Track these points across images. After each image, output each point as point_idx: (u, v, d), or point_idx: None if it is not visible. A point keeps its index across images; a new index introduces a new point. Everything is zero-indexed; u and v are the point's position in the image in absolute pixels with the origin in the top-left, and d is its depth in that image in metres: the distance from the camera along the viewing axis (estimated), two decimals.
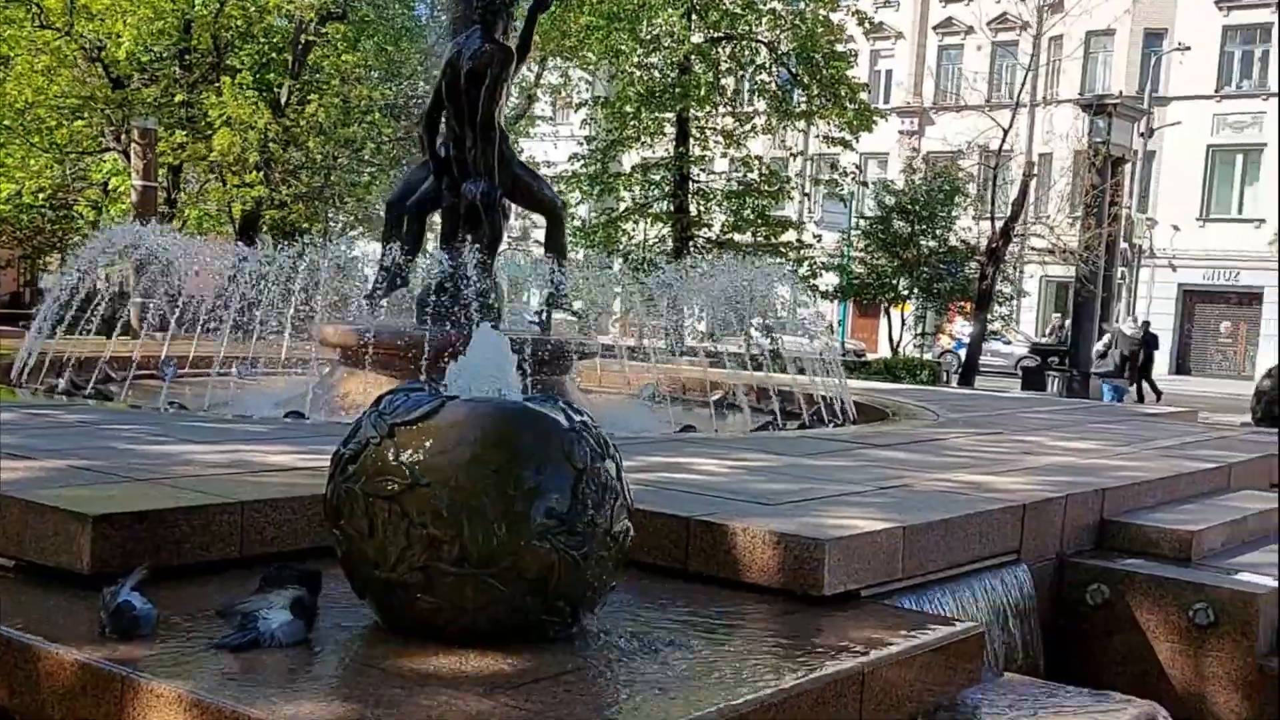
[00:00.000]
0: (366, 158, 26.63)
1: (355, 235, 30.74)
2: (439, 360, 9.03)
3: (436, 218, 10.85)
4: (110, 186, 28.23)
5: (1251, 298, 47.67)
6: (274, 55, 26.58)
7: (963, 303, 29.74)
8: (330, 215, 28.61)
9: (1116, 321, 26.94)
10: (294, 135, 24.24)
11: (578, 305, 11.17)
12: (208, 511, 4.56)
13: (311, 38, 25.41)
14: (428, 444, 3.80)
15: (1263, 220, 46.81)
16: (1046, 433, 9.29)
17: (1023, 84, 30.16)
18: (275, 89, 25.69)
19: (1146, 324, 29.46)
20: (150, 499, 4.59)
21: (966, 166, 35.07)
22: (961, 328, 40.09)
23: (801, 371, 11.46)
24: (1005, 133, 28.19)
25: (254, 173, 23.25)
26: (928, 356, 31.90)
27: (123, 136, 24.06)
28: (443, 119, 10.30)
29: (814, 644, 4.15)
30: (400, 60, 28.60)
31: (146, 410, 8.60)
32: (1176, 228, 46.90)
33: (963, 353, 38.19)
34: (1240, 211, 48.11)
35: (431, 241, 12.12)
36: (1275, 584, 5.77)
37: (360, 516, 3.83)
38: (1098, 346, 23.34)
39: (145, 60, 24.71)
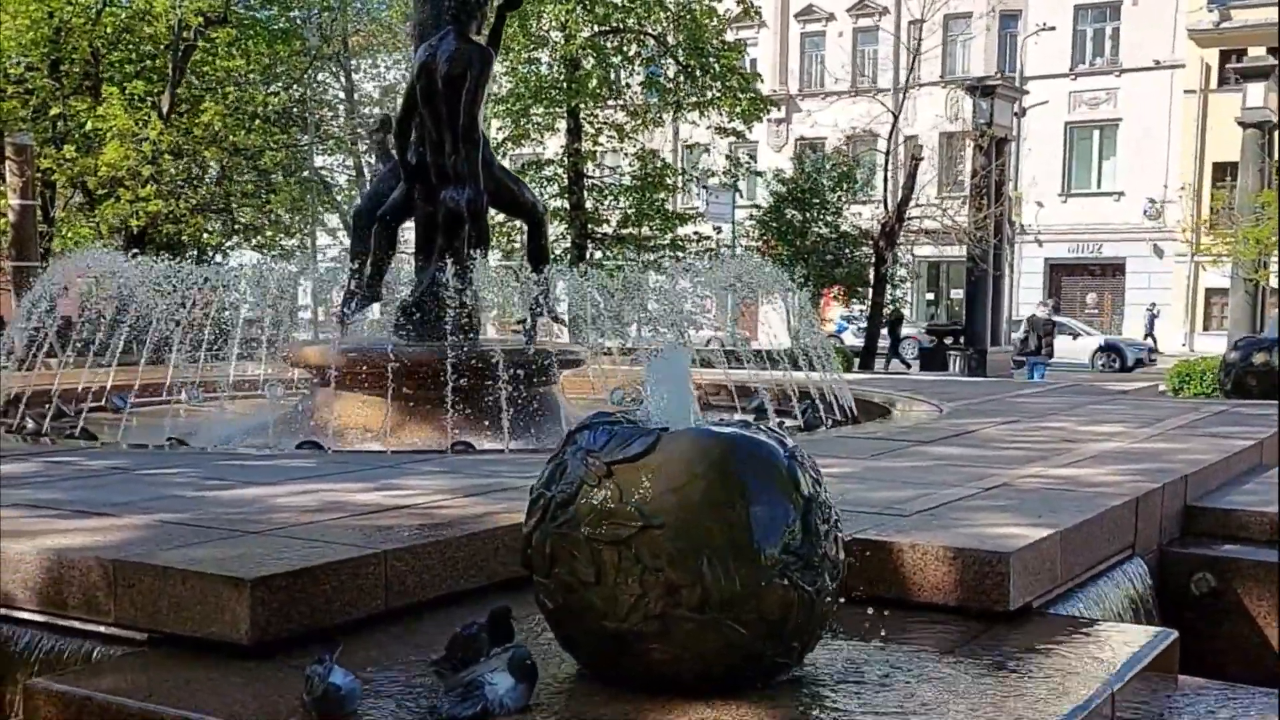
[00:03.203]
0: (264, 166, 25.72)
1: (230, 245, 29.74)
2: (432, 378, 8.68)
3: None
4: None
5: (1114, 269, 49.27)
6: (150, 62, 25.44)
7: (860, 288, 29.96)
8: (233, 227, 27.61)
9: (1037, 309, 27.63)
10: (185, 145, 23.25)
11: (561, 309, 10.77)
12: (355, 564, 4.18)
13: (191, 41, 24.38)
14: (653, 482, 3.50)
15: (1122, 193, 48.43)
16: (1057, 417, 9.28)
17: (911, 67, 30.44)
18: (155, 96, 24.58)
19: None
20: (289, 556, 4.18)
21: (849, 152, 35.39)
22: (840, 312, 40.74)
23: (776, 366, 11.29)
24: (896, 117, 28.50)
25: (148, 186, 22.22)
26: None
27: None
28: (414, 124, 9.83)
29: (1039, 667, 3.95)
30: (279, 63, 27.68)
31: (169, 451, 8.03)
32: (1040, 204, 48.14)
33: (846, 336, 38.81)
34: (1099, 186, 49.65)
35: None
36: None
37: (585, 564, 3.51)
38: (1017, 334, 24.00)
39: (15, 73, 23.40)
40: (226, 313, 11.27)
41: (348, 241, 34.54)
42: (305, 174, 30.10)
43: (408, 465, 6.57)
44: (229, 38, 25.22)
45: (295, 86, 28.35)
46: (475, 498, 5.42)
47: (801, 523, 3.59)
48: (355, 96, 34.70)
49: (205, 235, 27.12)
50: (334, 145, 32.36)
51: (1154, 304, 45.49)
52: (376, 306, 10.46)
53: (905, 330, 39.34)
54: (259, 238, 30.06)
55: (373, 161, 33.71)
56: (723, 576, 3.42)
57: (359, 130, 32.62)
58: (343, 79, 34.62)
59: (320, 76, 31.48)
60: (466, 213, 9.38)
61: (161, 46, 25.10)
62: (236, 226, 28.80)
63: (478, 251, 9.51)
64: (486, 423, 8.60)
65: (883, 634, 4.22)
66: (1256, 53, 39.39)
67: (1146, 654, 4.07)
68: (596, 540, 3.49)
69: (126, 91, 23.71)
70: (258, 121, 26.03)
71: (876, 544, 4.64)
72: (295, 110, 28.23)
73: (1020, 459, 6.86)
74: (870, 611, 4.46)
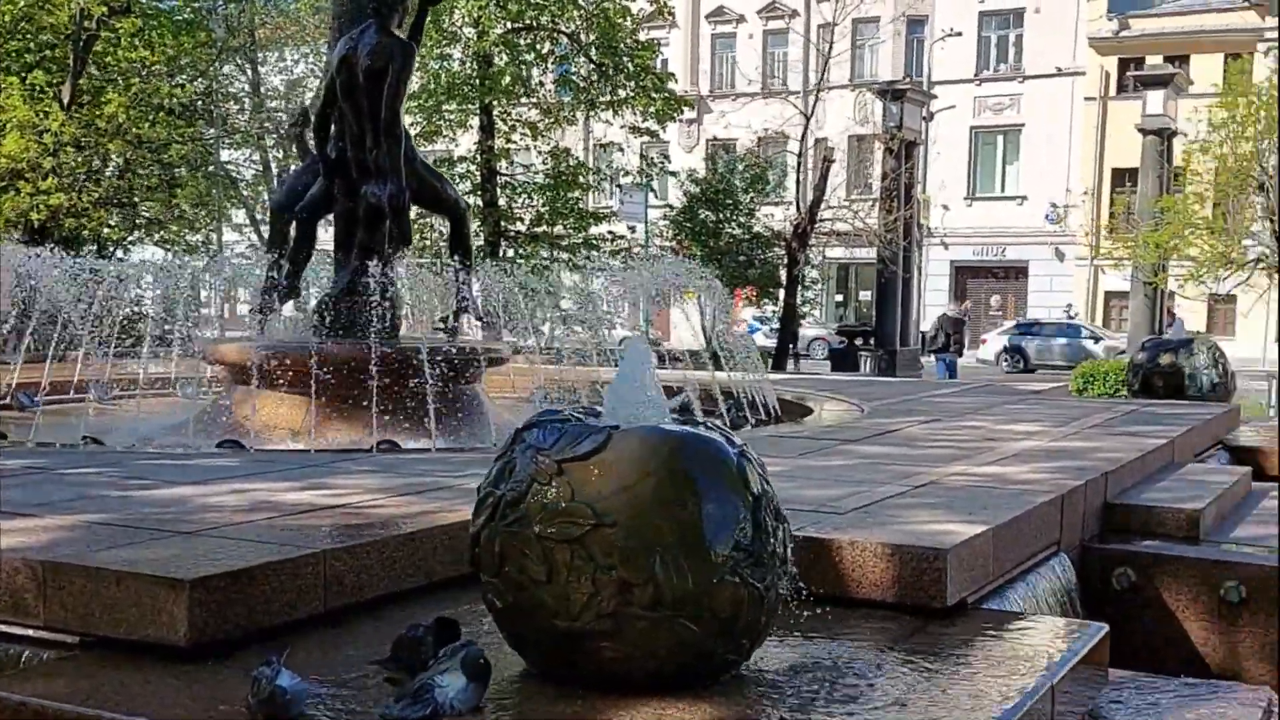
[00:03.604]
0: (169, 160, 25.16)
1: (133, 241, 29.08)
2: (356, 376, 8.57)
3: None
4: None
5: (1018, 271, 50.24)
6: (50, 52, 24.77)
7: (772, 289, 30.20)
8: (135, 221, 26.97)
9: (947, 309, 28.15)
10: (87, 138, 22.67)
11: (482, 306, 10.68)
12: (294, 565, 4.11)
13: (93, 31, 23.78)
14: (605, 480, 3.49)
15: (1025, 197, 49.39)
16: (975, 416, 9.43)
17: (822, 70, 30.74)
18: (56, 87, 23.94)
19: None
20: (225, 556, 4.09)
21: (761, 153, 35.65)
22: (749, 313, 41.02)
23: (702, 367, 11.33)
24: (807, 119, 28.77)
25: (49, 179, 21.63)
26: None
27: None
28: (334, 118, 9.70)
29: (980, 661, 4.01)
30: (184, 55, 27.11)
31: (85, 450, 7.80)
32: (946, 207, 48.87)
33: (757, 337, 39.13)
34: (1003, 190, 50.61)
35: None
36: None
37: (536, 563, 3.48)
38: (928, 331, 24.43)
39: None
40: (135, 309, 11.04)
41: (254, 237, 34.25)
42: (211, 168, 29.52)
43: (335, 464, 6.48)
44: (133, 28, 24.62)
45: (201, 79, 27.75)
46: (409, 497, 5.36)
47: (751, 520, 3.60)
48: (262, 90, 34.16)
49: (107, 230, 26.50)
50: (240, 139, 31.81)
51: (1070, 305, 46.47)
52: (291, 303, 10.29)
53: (816, 331, 40.01)
54: (162, 233, 29.45)
55: (280, 156, 33.46)
56: (675, 574, 3.42)
57: (266, 125, 32.14)
58: (249, 72, 34.08)
59: (226, 69, 30.93)
60: (388, 208, 9.27)
61: (62, 36, 24.44)
62: (139, 221, 28.17)
63: (401, 247, 9.40)
64: (410, 421, 8.51)
65: (825, 630, 4.25)
66: (1154, 61, 40.54)
67: (1082, 647, 4.15)
68: (548, 539, 3.46)
69: (27, 82, 23.08)
70: (162, 114, 25.47)
71: (816, 541, 4.66)
72: (201, 103, 27.65)
73: (945, 457, 6.96)
74: (811, 608, 4.51)
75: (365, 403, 8.33)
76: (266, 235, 10.63)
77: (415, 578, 4.55)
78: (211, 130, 29.23)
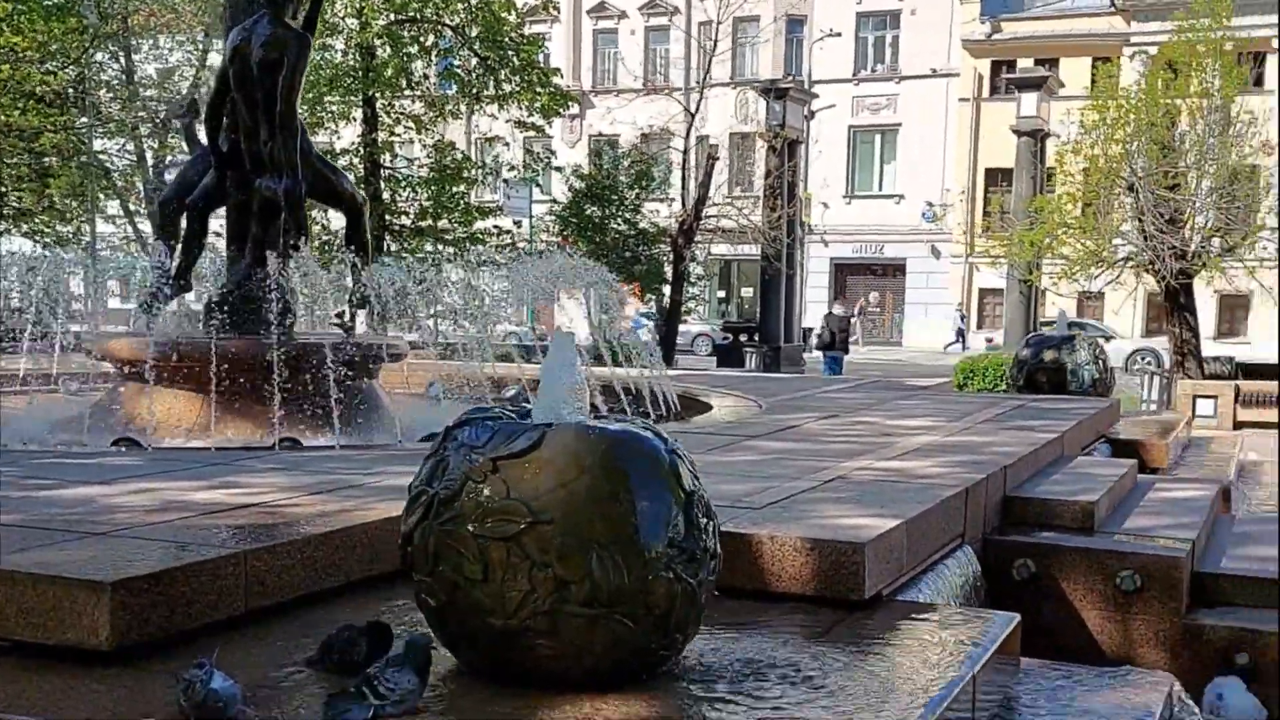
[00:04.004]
0: (40, 149, 24.33)
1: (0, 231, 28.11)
2: (254, 372, 8.42)
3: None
4: None
5: (895, 269, 51.26)
6: None
7: (657, 285, 30.33)
8: (1, 212, 26.01)
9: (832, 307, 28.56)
10: None
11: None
12: (214, 565, 4.03)
13: None
14: (540, 478, 3.49)
15: (902, 196, 50.37)
16: (869, 411, 9.61)
17: (706, 68, 30.96)
18: None
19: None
20: (143, 557, 3.99)
21: (645, 150, 35.77)
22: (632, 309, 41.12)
23: (600, 363, 11.33)
24: (692, 116, 28.95)
25: None
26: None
27: None
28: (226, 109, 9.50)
29: (903, 651, 4.10)
30: (54, 41, 26.24)
31: None
32: (826, 205, 49.64)
33: (642, 333, 39.28)
34: (881, 188, 51.59)
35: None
36: (1189, 547, 6.18)
37: (472, 561, 3.47)
38: (816, 329, 24.80)
39: None
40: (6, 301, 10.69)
41: (129, 229, 33.31)
42: (84, 158, 28.63)
43: (240, 462, 6.35)
44: (2, 13, 23.80)
45: (73, 66, 26.90)
46: (321, 495, 5.28)
47: (684, 516, 3.64)
48: (136, 79, 33.21)
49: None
50: (115, 128, 30.90)
51: (961, 305, 47.49)
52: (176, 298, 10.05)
53: (700, 327, 40.29)
54: (30, 224, 28.51)
55: (156, 146, 32.57)
56: (611, 571, 3.44)
57: (140, 114, 31.27)
58: (122, 60, 33.10)
59: (99, 57, 29.99)
60: (284, 202, 9.11)
61: None
62: (7, 211, 27.23)
63: (300, 241, 9.24)
64: (310, 418, 8.39)
65: (749, 623, 4.31)
66: (1025, 64, 41.63)
67: (998, 637, 4.26)
68: (484, 537, 3.45)
69: None
70: (33, 102, 24.65)
71: (735, 536, 4.71)
72: (73, 91, 26.81)
73: (847, 452, 7.08)
74: (732, 602, 4.56)
75: (263, 399, 8.19)
76: (155, 228, 10.34)
77: (335, 578, 4.49)
78: (84, 119, 28.35)
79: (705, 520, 3.75)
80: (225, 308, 9.28)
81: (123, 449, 7.26)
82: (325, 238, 25.06)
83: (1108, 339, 37.10)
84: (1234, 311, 40.18)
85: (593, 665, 3.52)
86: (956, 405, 10.33)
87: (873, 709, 3.46)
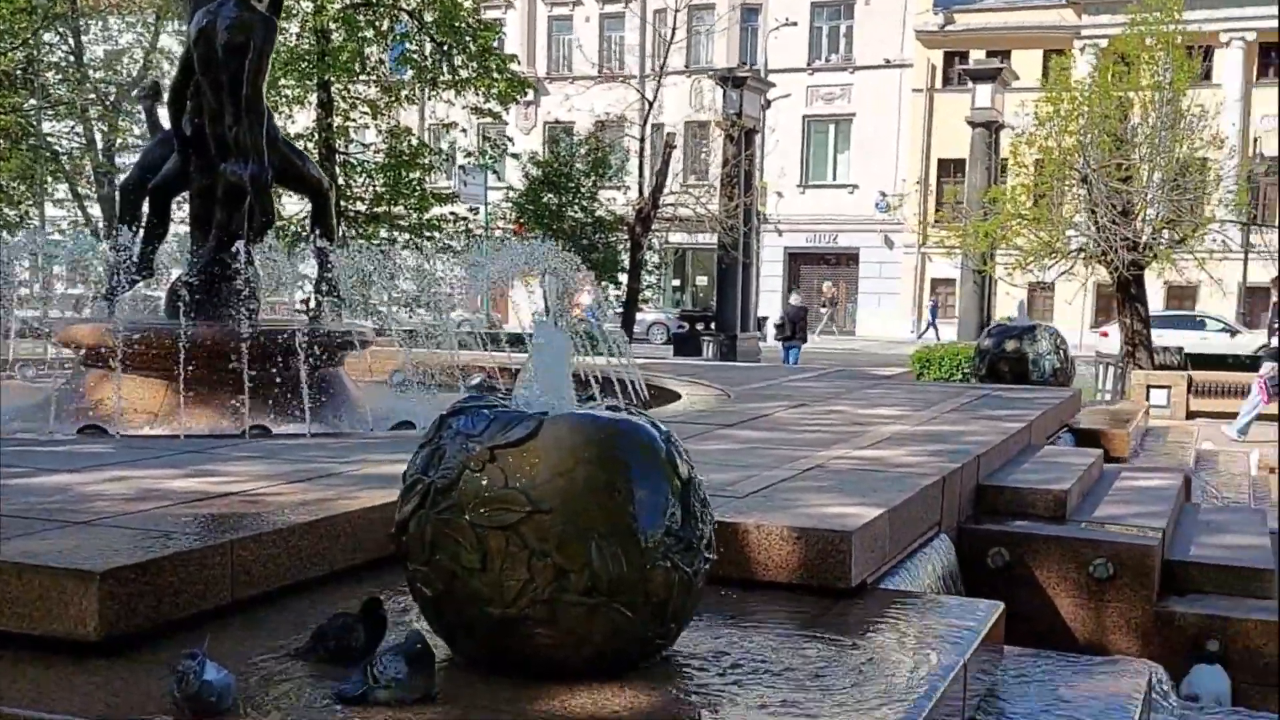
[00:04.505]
0: None
1: None
2: (221, 359, 8.33)
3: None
4: None
5: (849, 258, 51.48)
6: None
7: (614, 273, 30.31)
8: None
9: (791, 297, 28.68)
10: None
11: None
12: (201, 555, 3.98)
13: None
14: (538, 467, 3.48)
15: (856, 186, 50.59)
16: (838, 400, 9.64)
17: (664, 56, 30.93)
18: None
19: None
20: (128, 547, 3.93)
21: (602, 137, 35.70)
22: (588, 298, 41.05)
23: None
24: (650, 104, 28.92)
25: None
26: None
27: None
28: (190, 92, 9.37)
29: (892, 639, 4.12)
30: (1, 22, 25.79)
31: None
32: (780, 194, 49.73)
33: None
34: (835, 178, 51.80)
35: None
36: (1160, 536, 6.25)
37: (470, 550, 3.45)
38: (775, 320, 24.93)
39: None
40: None
41: (79, 213, 32.82)
42: (33, 140, 28.17)
43: (212, 450, 6.28)
44: None
45: (21, 47, 26.44)
46: (301, 484, 5.23)
47: (681, 505, 3.63)
48: (85, 59, 32.71)
49: None
50: (64, 111, 30.43)
51: (934, 298, 47.81)
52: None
53: (655, 316, 40.29)
54: None
55: (106, 129, 32.10)
56: (610, 560, 3.43)
57: (90, 96, 30.81)
58: (71, 41, 32.59)
59: (47, 37, 29.51)
60: (250, 187, 9.00)
61: None
62: None
63: (264, 227, 9.14)
64: (278, 405, 8.30)
65: (738, 611, 4.32)
66: (978, 55, 41.86)
67: (984, 625, 4.29)
68: (481, 525, 3.44)
69: None
70: None
71: (722, 525, 4.69)
72: (21, 72, 26.37)
73: (822, 441, 7.10)
74: (719, 591, 4.56)
75: (229, 386, 8.09)
76: (110, 212, 10.19)
77: (320, 567, 4.45)
78: (32, 101, 27.89)
79: (700, 509, 3.75)
80: (189, 293, 9.14)
81: (91, 437, 7.14)
82: (280, 224, 24.78)
83: (1233, 334, 33.65)
84: (1182, 303, 40.66)
85: (592, 654, 3.51)
86: (923, 394, 10.40)
87: (870, 696, 3.47)
